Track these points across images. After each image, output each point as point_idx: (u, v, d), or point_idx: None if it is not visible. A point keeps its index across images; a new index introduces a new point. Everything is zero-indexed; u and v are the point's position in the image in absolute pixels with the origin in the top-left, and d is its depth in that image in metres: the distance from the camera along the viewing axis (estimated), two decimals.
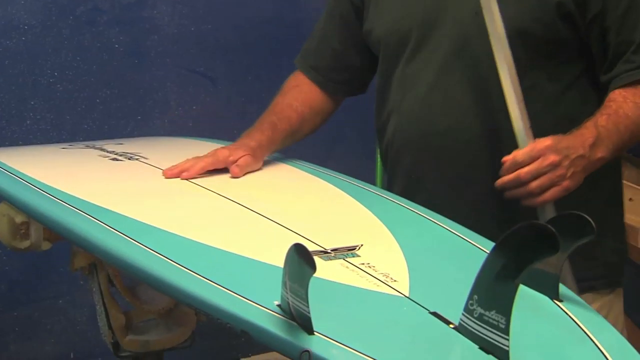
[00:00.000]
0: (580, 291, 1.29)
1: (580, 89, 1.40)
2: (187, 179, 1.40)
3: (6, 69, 2.48)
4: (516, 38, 1.31)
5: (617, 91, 1.35)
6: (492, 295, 0.78)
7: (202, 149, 1.84)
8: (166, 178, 1.41)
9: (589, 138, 1.27)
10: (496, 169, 1.29)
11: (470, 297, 0.80)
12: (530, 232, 0.76)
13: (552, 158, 1.23)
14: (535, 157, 1.24)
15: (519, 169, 1.24)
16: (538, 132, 1.29)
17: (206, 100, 2.76)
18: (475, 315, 0.80)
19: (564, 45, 1.36)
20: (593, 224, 0.93)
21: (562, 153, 1.24)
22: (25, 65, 2.50)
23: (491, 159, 1.33)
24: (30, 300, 2.60)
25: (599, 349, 0.85)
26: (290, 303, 0.82)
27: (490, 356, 0.79)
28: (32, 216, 1.34)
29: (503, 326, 0.77)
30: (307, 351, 0.80)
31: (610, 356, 0.83)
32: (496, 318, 0.77)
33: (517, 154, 1.25)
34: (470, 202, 1.35)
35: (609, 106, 1.32)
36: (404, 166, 1.51)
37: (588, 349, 0.85)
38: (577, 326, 0.90)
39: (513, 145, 1.28)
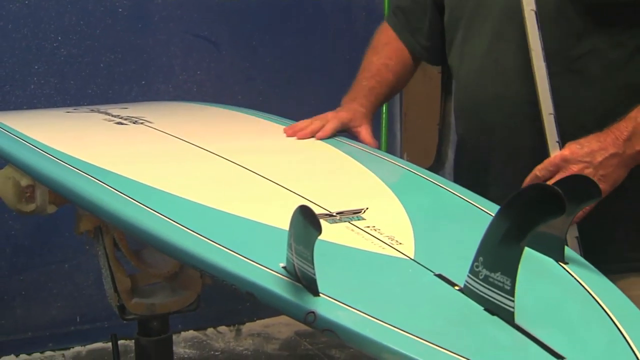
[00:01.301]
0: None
1: None
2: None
3: (10, 33, 2.47)
4: (567, 2, 1.27)
5: None
6: (497, 257, 0.77)
7: (205, 113, 1.83)
8: (287, 136, 1.47)
9: (623, 132, 1.20)
10: (543, 138, 1.26)
11: (475, 259, 0.80)
12: (536, 194, 0.76)
13: (572, 169, 1.19)
14: (554, 171, 1.20)
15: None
16: (599, 99, 1.26)
17: (210, 65, 2.75)
18: (481, 277, 0.79)
19: (625, 9, 1.29)
20: (599, 186, 0.91)
21: (583, 160, 1.19)
22: (29, 29, 2.49)
23: (538, 128, 1.28)
24: (36, 265, 2.61)
25: (604, 310, 0.85)
26: (296, 265, 0.82)
27: (496, 317, 0.79)
28: (37, 179, 1.33)
29: (508, 288, 0.76)
30: (313, 312, 0.79)
31: (615, 317, 0.83)
32: (501, 280, 0.77)
33: (537, 169, 1.21)
34: (518, 172, 1.29)
35: None
36: (459, 132, 1.50)
37: (593, 310, 0.85)
38: (582, 288, 0.90)
39: (559, 117, 1.25)
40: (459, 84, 1.46)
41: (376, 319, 0.78)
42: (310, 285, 0.81)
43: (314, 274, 0.79)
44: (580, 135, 1.23)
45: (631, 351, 0.77)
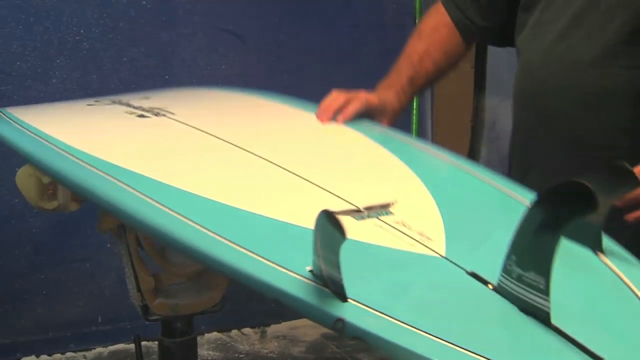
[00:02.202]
0: None
1: None
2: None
3: (31, 26, 2.45)
4: None
5: None
6: (530, 256, 0.76)
7: (227, 100, 1.78)
8: (322, 123, 1.42)
9: None
10: (610, 136, 1.23)
11: (508, 258, 0.78)
12: (568, 191, 0.73)
13: None
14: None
15: None
16: None
17: (235, 59, 2.72)
18: (514, 276, 0.78)
19: None
20: (635, 173, 0.88)
21: None
22: (51, 22, 2.47)
23: (605, 123, 1.25)
24: (57, 263, 2.59)
25: None
26: (323, 269, 0.80)
27: (531, 318, 0.77)
28: (58, 180, 1.31)
29: (543, 287, 0.75)
30: (341, 320, 0.78)
31: None
32: (535, 279, 0.75)
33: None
34: (579, 166, 1.23)
35: None
36: (517, 116, 1.43)
37: (634, 306, 0.83)
38: (622, 282, 0.88)
39: (631, 114, 1.21)
40: (524, 67, 1.40)
41: (407, 324, 0.76)
42: (337, 291, 0.79)
43: (342, 280, 0.78)
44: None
45: None
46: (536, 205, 0.75)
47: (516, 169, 1.41)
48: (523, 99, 1.40)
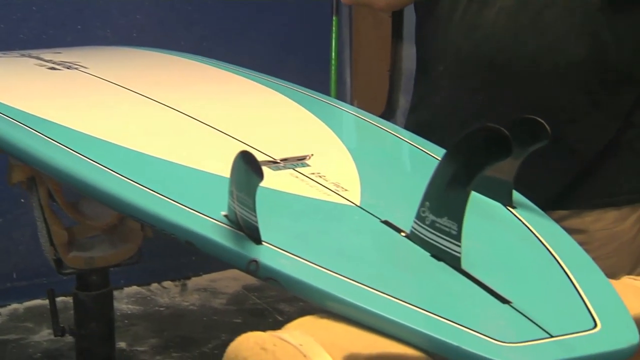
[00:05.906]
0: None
1: None
2: None
3: None
4: None
5: None
6: (444, 202, 0.77)
7: (145, 58, 1.77)
8: None
9: None
10: (575, 103, 1.24)
11: (422, 204, 0.80)
12: (482, 136, 0.74)
13: None
14: None
15: None
16: None
17: (150, 8, 2.66)
18: (427, 223, 0.80)
19: None
20: (548, 128, 0.88)
21: None
22: None
23: (571, 91, 1.25)
24: None
25: (551, 254, 0.85)
26: (238, 213, 0.80)
27: (442, 263, 0.79)
28: None
29: (455, 233, 0.76)
30: (255, 261, 0.78)
31: (563, 261, 0.83)
32: (448, 224, 0.77)
33: None
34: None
35: None
36: (469, 85, 1.33)
37: (541, 254, 0.85)
38: (529, 232, 0.90)
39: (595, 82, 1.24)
40: (478, 28, 1.30)
41: (320, 266, 0.77)
42: (252, 234, 0.80)
43: (256, 222, 0.78)
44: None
45: (577, 294, 0.78)
46: (452, 151, 0.77)
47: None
48: (484, 64, 1.30)
